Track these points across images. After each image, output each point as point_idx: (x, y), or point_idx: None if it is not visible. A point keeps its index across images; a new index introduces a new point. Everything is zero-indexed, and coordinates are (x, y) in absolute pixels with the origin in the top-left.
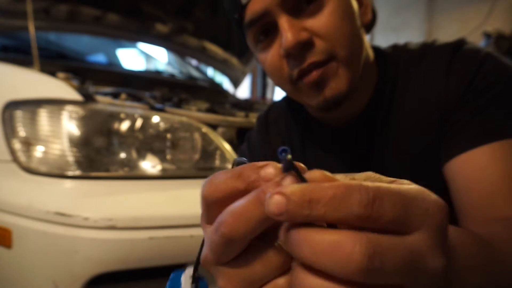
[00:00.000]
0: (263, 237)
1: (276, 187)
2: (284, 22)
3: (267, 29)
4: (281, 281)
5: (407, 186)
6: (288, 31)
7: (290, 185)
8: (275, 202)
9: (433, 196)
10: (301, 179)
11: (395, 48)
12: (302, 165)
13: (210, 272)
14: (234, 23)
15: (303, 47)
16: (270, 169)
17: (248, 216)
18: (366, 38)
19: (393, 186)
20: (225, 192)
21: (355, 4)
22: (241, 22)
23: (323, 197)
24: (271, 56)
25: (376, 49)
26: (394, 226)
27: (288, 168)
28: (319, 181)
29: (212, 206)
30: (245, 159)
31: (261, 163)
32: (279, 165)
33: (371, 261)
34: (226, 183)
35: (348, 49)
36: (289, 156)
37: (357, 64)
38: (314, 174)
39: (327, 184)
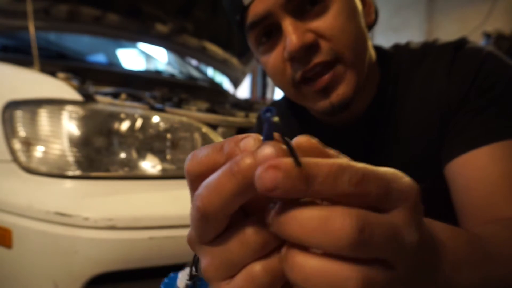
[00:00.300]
0: (251, 216)
1: (251, 157)
2: (288, 24)
3: (269, 31)
4: (257, 267)
5: (384, 168)
6: (292, 33)
7: (284, 159)
8: (270, 176)
9: (407, 178)
10: (287, 146)
11: (397, 47)
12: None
13: (196, 252)
14: (235, 25)
15: (308, 49)
16: (250, 140)
17: (221, 189)
18: (372, 38)
19: (375, 168)
20: (207, 165)
21: (359, 5)
22: (242, 23)
23: (319, 174)
24: (273, 58)
25: (378, 49)
26: (378, 203)
27: (269, 136)
28: (305, 146)
29: (195, 181)
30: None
31: (242, 135)
32: (260, 137)
33: (362, 234)
34: (208, 157)
35: (354, 50)
36: (275, 118)
37: (363, 65)
38: (301, 139)
39: (321, 161)
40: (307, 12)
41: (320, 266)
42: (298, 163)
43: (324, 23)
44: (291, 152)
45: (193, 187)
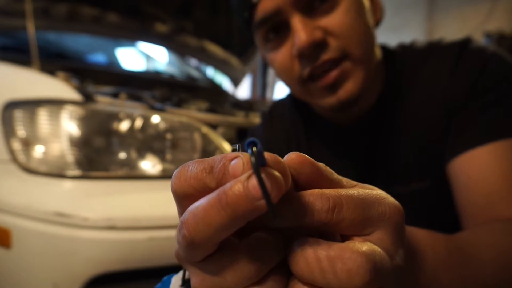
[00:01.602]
0: (242, 233)
1: (240, 187)
2: (297, 21)
3: (277, 28)
4: None
5: (366, 190)
6: (301, 30)
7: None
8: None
9: (390, 199)
10: (259, 179)
11: (402, 47)
12: (273, 156)
13: (185, 268)
14: (242, 22)
15: (317, 46)
16: (239, 164)
17: (209, 220)
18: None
19: (352, 191)
20: (195, 187)
21: (366, 2)
22: (250, 21)
23: (289, 208)
24: (281, 55)
25: (383, 48)
26: (355, 229)
27: (262, 163)
28: (297, 162)
29: (182, 201)
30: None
31: (232, 155)
32: (249, 159)
33: (374, 273)
34: (197, 178)
35: (362, 47)
36: (254, 149)
37: (371, 62)
38: (292, 155)
39: (292, 196)
40: (316, 10)
41: None
42: (274, 214)
43: (332, 20)
44: (265, 195)
45: (180, 205)
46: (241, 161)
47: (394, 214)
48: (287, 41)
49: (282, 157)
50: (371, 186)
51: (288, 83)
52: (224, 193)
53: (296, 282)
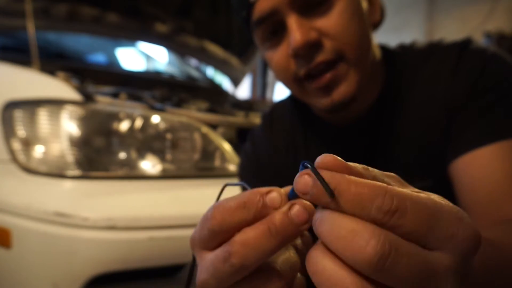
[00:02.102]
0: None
1: (285, 217)
2: (293, 21)
3: (275, 28)
4: None
5: (439, 201)
6: (297, 31)
7: (323, 170)
8: (303, 181)
9: (466, 220)
10: (323, 184)
11: (402, 47)
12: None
13: None
14: (241, 21)
15: (312, 47)
16: (276, 196)
17: (260, 248)
18: (374, 37)
19: (422, 196)
20: (233, 224)
21: (364, 4)
22: (248, 20)
23: (346, 191)
24: (278, 55)
25: (383, 48)
26: (414, 238)
27: (294, 195)
28: (330, 166)
29: (218, 236)
30: (241, 183)
31: (264, 189)
32: (282, 190)
33: (382, 260)
34: (233, 215)
35: (357, 49)
36: (309, 171)
37: (366, 64)
38: (326, 158)
39: (354, 179)
40: (312, 10)
41: (333, 271)
42: (331, 194)
43: (328, 21)
44: (322, 183)
45: (213, 240)
46: (277, 194)
47: (467, 240)
48: (284, 41)
49: (284, 160)
50: (441, 198)
51: (285, 83)
52: (273, 223)
53: (318, 245)
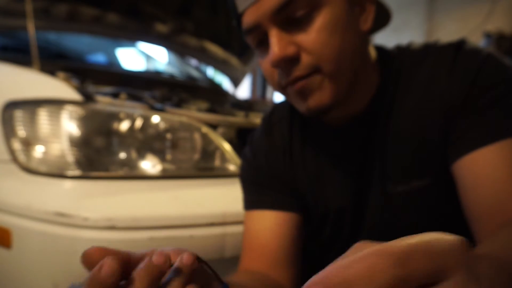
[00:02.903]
0: None
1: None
2: (273, 35)
3: (262, 38)
4: None
5: (429, 236)
6: (275, 45)
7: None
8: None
9: (447, 236)
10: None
11: (399, 48)
12: None
13: None
14: (236, 26)
15: (289, 61)
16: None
17: None
18: (367, 41)
19: (407, 240)
20: None
21: (356, 11)
22: (240, 27)
23: (357, 275)
24: (265, 63)
25: (379, 49)
26: (428, 279)
27: None
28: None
29: None
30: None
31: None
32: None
33: None
34: None
35: (335, 63)
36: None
37: (345, 77)
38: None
39: (355, 258)
40: (293, 25)
41: None
42: None
43: (307, 37)
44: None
45: None
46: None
47: (458, 248)
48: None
49: (282, 167)
50: (407, 237)
51: (273, 88)
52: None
53: None
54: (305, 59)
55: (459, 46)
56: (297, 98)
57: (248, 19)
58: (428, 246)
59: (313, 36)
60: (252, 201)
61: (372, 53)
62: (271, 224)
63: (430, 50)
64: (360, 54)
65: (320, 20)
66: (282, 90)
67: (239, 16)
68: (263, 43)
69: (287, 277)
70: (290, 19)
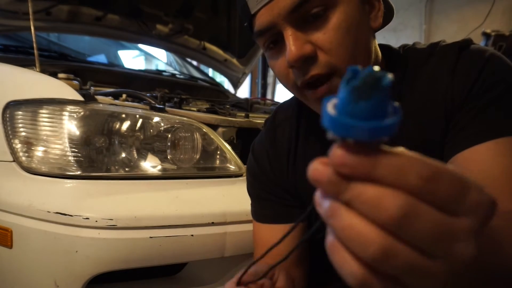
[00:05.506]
0: None
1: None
2: (289, 35)
3: (275, 38)
4: None
5: (462, 174)
6: (292, 44)
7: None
8: (338, 153)
9: (487, 190)
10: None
11: (404, 47)
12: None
13: None
14: (246, 28)
15: (306, 60)
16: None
17: None
18: (374, 38)
19: (453, 168)
20: None
21: (363, 11)
22: (251, 29)
23: (385, 163)
24: (278, 64)
25: (385, 48)
26: (445, 205)
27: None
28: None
29: None
30: None
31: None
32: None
33: (404, 218)
34: None
35: (351, 63)
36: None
37: None
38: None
39: (392, 150)
40: (308, 24)
41: (360, 226)
42: None
43: (323, 35)
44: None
45: None
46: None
47: (488, 209)
48: (284, 51)
49: (285, 170)
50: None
51: (288, 88)
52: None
53: (343, 205)
54: (322, 57)
55: (463, 46)
56: (316, 103)
57: (261, 20)
58: (466, 183)
59: (329, 35)
60: (259, 215)
61: (378, 52)
62: (278, 236)
63: (435, 50)
64: (372, 52)
65: (335, 19)
66: (298, 90)
67: (251, 17)
68: (276, 44)
69: (299, 275)
70: (305, 18)
